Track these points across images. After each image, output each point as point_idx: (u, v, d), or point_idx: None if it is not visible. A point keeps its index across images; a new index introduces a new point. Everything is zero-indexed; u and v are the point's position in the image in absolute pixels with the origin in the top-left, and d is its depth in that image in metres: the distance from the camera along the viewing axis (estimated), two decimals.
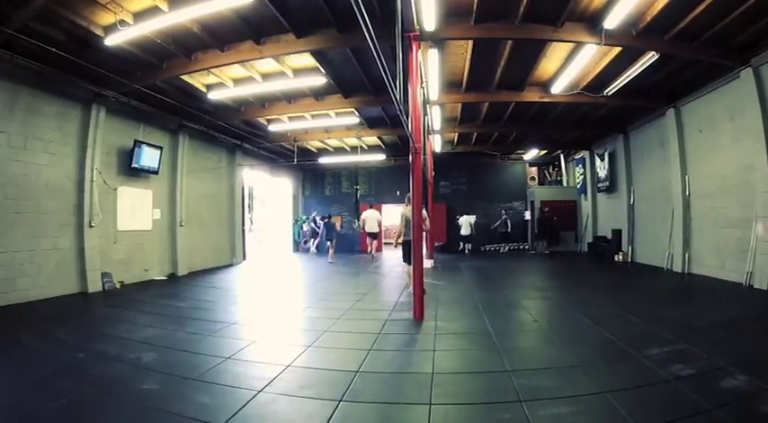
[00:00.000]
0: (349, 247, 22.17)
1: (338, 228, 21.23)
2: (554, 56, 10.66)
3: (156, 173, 13.17)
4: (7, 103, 9.18)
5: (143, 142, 12.58)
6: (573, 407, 3.96)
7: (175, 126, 14.20)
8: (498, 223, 21.66)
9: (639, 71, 10.52)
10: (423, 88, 10.05)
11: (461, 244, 21.58)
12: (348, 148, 21.37)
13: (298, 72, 11.34)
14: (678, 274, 12.58)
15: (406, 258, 9.79)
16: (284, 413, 4.00)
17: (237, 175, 18.38)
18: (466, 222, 20.86)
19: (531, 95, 12.82)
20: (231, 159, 18.09)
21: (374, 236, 19.57)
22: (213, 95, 12.30)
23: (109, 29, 8.43)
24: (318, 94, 13.24)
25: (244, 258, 18.70)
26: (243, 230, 18.87)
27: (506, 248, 22.09)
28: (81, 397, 4.26)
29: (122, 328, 7.20)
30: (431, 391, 4.40)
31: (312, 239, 23.57)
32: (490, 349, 5.84)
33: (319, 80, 11.46)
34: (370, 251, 19.80)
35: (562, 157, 23.81)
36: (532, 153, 22.50)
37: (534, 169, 24.70)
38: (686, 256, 12.62)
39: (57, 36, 8.47)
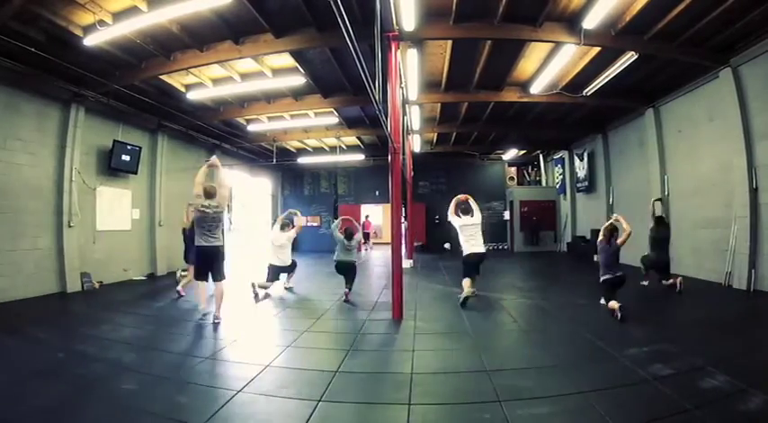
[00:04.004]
0: (328, 247, 22.03)
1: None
2: (533, 56, 10.78)
3: (134, 173, 13.12)
4: None
5: (122, 142, 12.52)
6: (552, 407, 4.02)
7: (154, 126, 14.12)
8: None
9: (618, 71, 10.63)
10: (402, 88, 10.11)
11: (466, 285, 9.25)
12: (327, 148, 21.39)
13: (277, 72, 11.37)
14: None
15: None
16: (263, 413, 4.04)
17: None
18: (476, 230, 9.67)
19: (511, 95, 12.94)
20: None
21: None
22: (192, 95, 12.26)
23: (88, 29, 8.39)
24: (298, 94, 13.27)
25: (223, 258, 18.58)
26: (222, 231, 18.73)
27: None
28: (60, 397, 4.27)
29: (102, 328, 7.18)
30: (410, 390, 4.44)
31: None
32: (469, 349, 5.91)
33: (298, 80, 11.48)
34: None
35: (541, 157, 24.04)
36: (511, 153, 22.71)
37: (513, 169, 24.90)
38: None
39: (36, 36, 8.42)
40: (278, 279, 10.85)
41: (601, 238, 8.26)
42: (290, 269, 11.23)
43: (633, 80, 11.72)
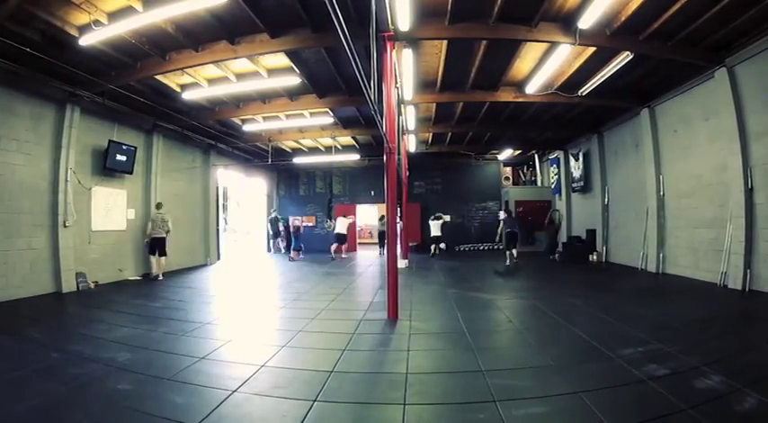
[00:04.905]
0: (323, 247, 22.01)
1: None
2: (528, 56, 10.78)
3: (130, 173, 13.09)
4: None
5: (117, 142, 12.50)
6: (547, 407, 4.00)
7: (150, 126, 14.11)
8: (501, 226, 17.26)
9: (614, 71, 10.59)
10: (397, 88, 10.11)
11: (432, 247, 20.23)
12: (322, 148, 21.39)
13: (272, 72, 11.36)
14: (653, 274, 12.71)
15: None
16: (258, 413, 4.02)
17: (212, 175, 18.32)
18: (435, 225, 19.81)
19: (506, 95, 12.93)
20: (205, 159, 18.02)
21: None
22: (187, 95, 12.24)
23: (83, 29, 8.36)
24: (293, 94, 13.26)
25: (218, 258, 18.61)
26: (217, 230, 18.76)
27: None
28: (55, 397, 4.25)
29: (97, 328, 7.16)
30: (405, 391, 4.41)
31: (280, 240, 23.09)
32: (464, 349, 5.88)
33: (294, 80, 11.45)
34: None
35: (536, 157, 24.03)
36: (507, 153, 22.69)
37: (509, 169, 24.96)
38: (661, 256, 12.77)
39: (31, 36, 8.39)
40: (340, 243, 19.81)
41: (506, 216, 16.35)
42: (344, 238, 20.04)
43: (628, 80, 11.71)
